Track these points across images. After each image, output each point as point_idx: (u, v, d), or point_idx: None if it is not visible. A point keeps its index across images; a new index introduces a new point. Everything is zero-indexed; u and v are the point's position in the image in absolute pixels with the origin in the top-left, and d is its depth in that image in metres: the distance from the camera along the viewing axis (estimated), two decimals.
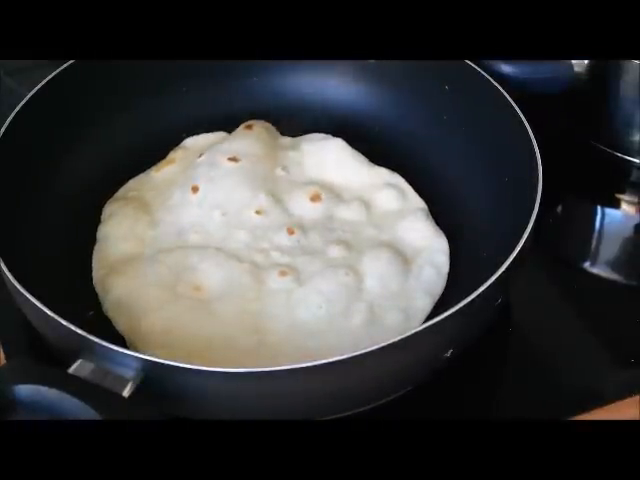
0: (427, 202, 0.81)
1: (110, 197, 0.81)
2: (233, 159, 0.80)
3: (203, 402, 0.63)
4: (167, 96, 0.86)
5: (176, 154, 0.83)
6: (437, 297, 0.74)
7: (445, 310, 0.63)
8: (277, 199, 0.79)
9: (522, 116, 0.74)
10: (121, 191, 0.81)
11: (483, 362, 0.72)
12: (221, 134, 0.85)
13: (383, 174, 0.82)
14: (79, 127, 0.81)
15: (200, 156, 0.81)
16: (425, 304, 0.73)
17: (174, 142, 0.85)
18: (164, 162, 0.83)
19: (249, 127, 0.83)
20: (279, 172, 0.81)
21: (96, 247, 0.77)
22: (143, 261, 0.74)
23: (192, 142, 0.85)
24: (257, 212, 0.77)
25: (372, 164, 0.83)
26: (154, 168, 0.83)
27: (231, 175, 0.79)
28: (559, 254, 0.82)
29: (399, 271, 0.74)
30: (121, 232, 0.77)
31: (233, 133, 0.84)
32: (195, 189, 0.78)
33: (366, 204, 0.80)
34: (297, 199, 0.79)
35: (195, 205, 0.78)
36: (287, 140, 0.85)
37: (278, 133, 0.86)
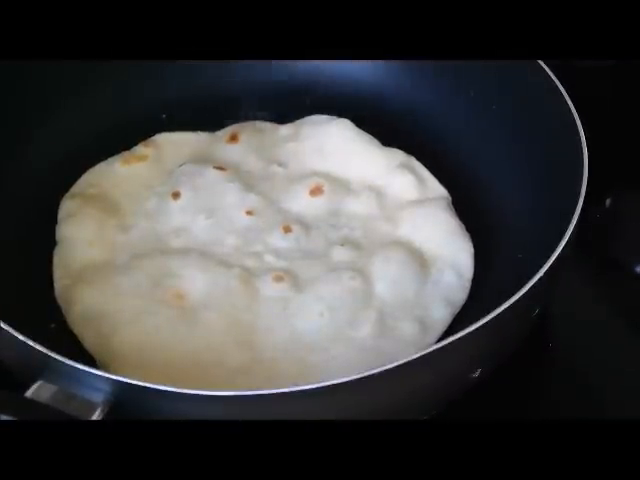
0: (449, 192, 0.82)
1: (66, 191, 0.82)
2: (219, 168, 0.82)
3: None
4: (148, 68, 0.87)
5: (147, 150, 0.85)
6: (459, 306, 0.75)
7: (469, 322, 0.63)
8: (270, 197, 0.81)
9: (563, 90, 0.76)
10: (78, 185, 0.83)
11: (517, 383, 0.73)
12: (199, 135, 0.87)
13: (398, 157, 0.83)
14: (33, 111, 0.83)
15: (182, 164, 0.83)
16: (444, 314, 0.74)
17: (149, 126, 0.86)
18: (133, 157, 0.84)
19: (234, 138, 0.86)
20: (274, 169, 0.83)
21: (56, 251, 0.78)
22: (114, 268, 0.76)
23: (164, 139, 0.86)
24: (248, 213, 0.79)
25: (384, 147, 0.84)
26: (119, 160, 0.84)
27: (218, 181, 0.81)
28: (608, 256, 0.82)
29: (415, 275, 0.75)
30: (85, 236, 0.78)
31: (217, 140, 0.86)
32: (176, 195, 0.80)
33: (377, 193, 0.81)
34: (294, 195, 0.81)
35: (176, 211, 0.80)
36: (286, 130, 0.87)
37: (274, 125, 0.87)
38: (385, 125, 0.85)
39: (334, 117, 0.85)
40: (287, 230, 0.78)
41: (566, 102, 0.74)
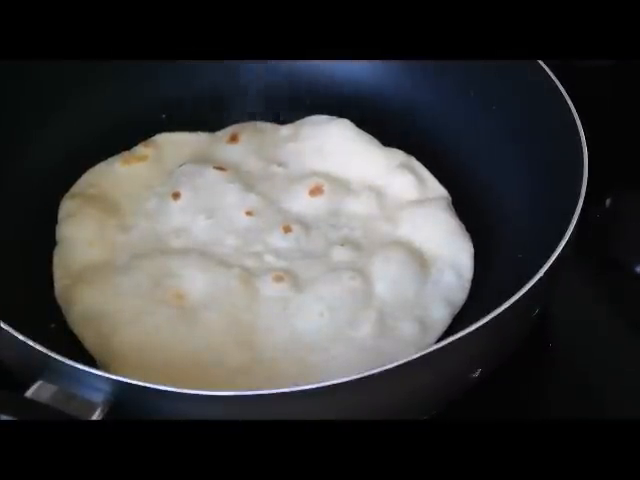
0: (449, 192, 0.82)
1: (66, 191, 0.82)
2: (220, 168, 0.82)
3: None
4: (148, 68, 0.86)
5: (147, 150, 0.85)
6: (459, 306, 0.75)
7: (469, 322, 0.63)
8: (270, 198, 0.81)
9: (563, 90, 0.76)
10: (78, 185, 0.83)
11: (517, 383, 0.73)
12: (199, 135, 0.87)
13: (398, 157, 0.83)
14: (33, 111, 0.83)
15: (182, 165, 0.83)
16: (444, 314, 0.74)
17: (148, 125, 0.86)
18: (133, 157, 0.84)
19: (234, 138, 0.86)
20: (274, 169, 0.83)
21: (56, 251, 0.78)
22: (114, 269, 0.76)
23: (164, 139, 0.86)
24: (247, 213, 0.79)
25: (384, 147, 0.84)
26: (119, 160, 0.84)
27: (218, 181, 0.81)
28: (608, 256, 0.83)
29: (414, 275, 0.75)
30: (85, 236, 0.78)
31: (217, 141, 0.86)
32: (176, 195, 0.80)
33: (377, 193, 0.81)
34: (294, 195, 0.81)
35: (176, 211, 0.80)
36: (286, 130, 0.87)
37: (275, 126, 0.87)
38: (385, 125, 0.85)
39: (334, 117, 0.85)
40: (287, 230, 0.78)
41: (566, 102, 0.74)
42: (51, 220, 0.80)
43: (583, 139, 0.72)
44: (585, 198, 0.69)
